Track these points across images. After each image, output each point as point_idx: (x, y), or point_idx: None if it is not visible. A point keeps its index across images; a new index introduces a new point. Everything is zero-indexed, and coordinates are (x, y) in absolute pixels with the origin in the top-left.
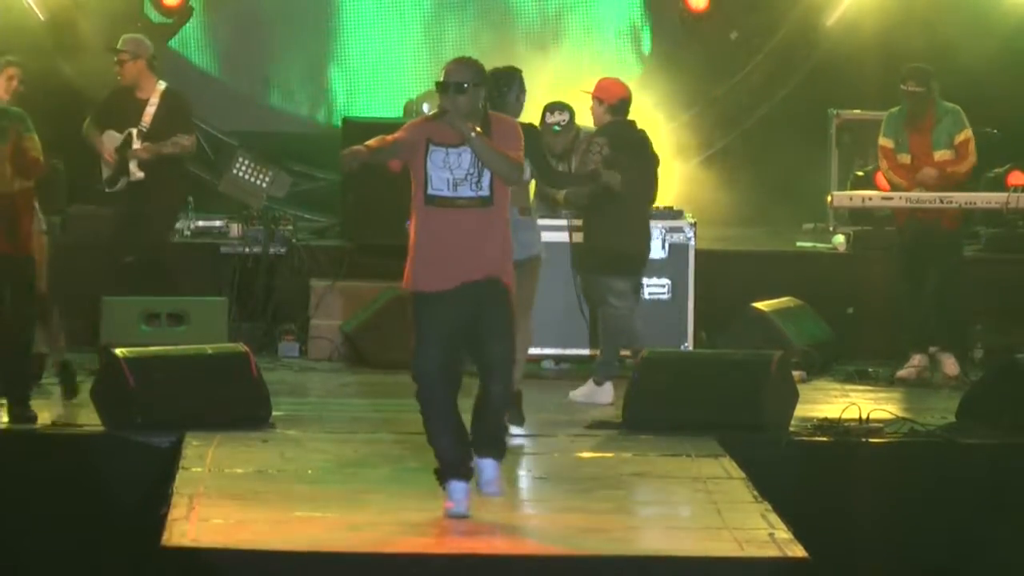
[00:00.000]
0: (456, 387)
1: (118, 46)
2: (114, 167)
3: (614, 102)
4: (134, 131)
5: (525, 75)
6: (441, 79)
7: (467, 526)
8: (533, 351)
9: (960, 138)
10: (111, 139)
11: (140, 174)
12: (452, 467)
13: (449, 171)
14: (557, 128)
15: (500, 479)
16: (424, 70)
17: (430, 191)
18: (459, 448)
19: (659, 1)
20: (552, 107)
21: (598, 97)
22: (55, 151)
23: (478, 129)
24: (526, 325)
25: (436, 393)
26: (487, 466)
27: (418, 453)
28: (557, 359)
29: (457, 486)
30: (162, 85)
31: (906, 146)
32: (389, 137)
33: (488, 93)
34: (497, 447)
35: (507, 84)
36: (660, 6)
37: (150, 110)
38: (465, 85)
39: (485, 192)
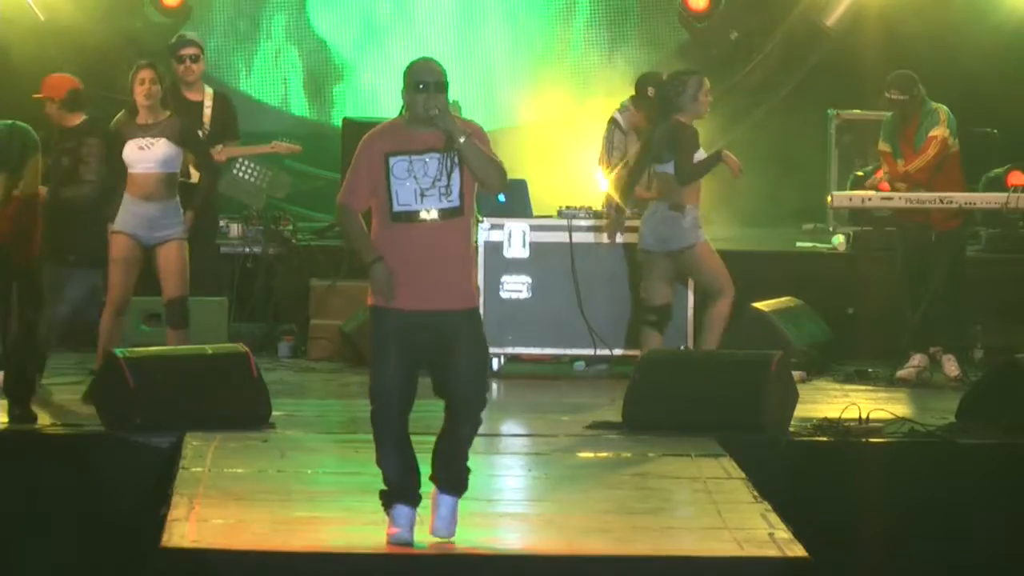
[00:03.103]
0: (410, 409)
1: (189, 38)
2: None
3: (64, 96)
4: (200, 134)
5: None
6: (419, 79)
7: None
8: (532, 351)
9: (930, 134)
10: None
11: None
12: (400, 491)
13: (414, 180)
14: None
15: (454, 519)
16: None
17: (396, 207)
18: (408, 473)
19: (659, 1)
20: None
21: (49, 96)
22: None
23: (468, 132)
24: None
25: (391, 414)
26: (444, 503)
27: (417, 454)
28: (557, 359)
29: (402, 511)
30: (210, 88)
31: (900, 151)
32: (352, 181)
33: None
34: (460, 486)
35: (682, 85)
36: (660, 6)
37: (207, 112)
38: (443, 83)
39: (455, 202)
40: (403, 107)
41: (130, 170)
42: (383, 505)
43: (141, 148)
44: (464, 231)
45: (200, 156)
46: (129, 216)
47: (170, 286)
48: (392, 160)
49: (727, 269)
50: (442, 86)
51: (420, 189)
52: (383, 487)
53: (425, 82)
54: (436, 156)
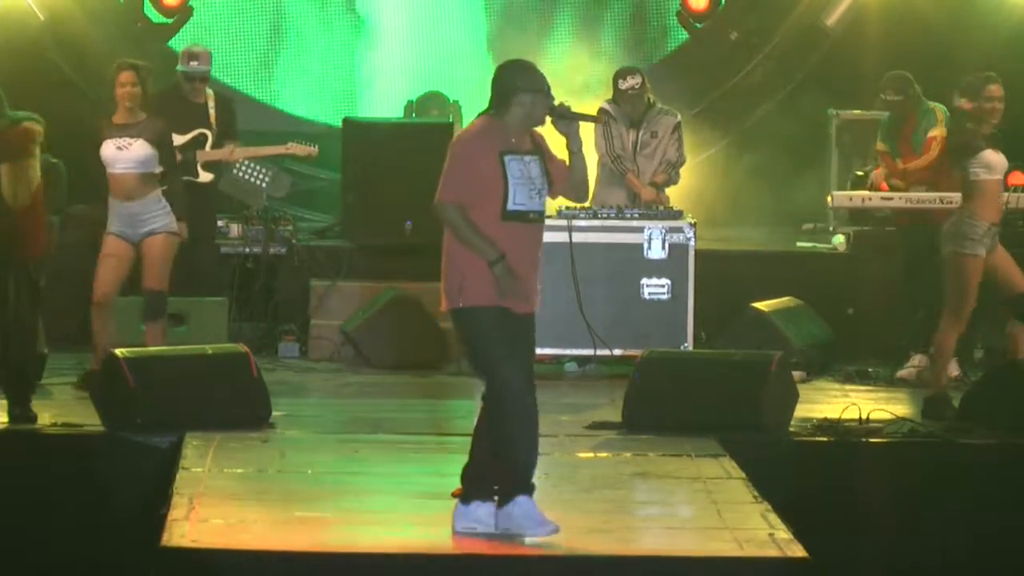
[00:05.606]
0: None
1: (201, 65)
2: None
3: None
4: (208, 133)
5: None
6: (543, 84)
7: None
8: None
9: (929, 134)
10: None
11: (209, 176)
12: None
13: (529, 181)
14: (632, 92)
15: None
16: (424, 70)
17: (512, 205)
18: None
19: (659, 1)
20: (624, 72)
21: None
22: (55, 151)
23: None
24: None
25: (529, 405)
26: (532, 504)
27: (417, 453)
28: (557, 358)
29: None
30: (210, 90)
31: (898, 151)
32: (459, 179)
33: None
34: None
35: (962, 87)
36: (660, 6)
37: (212, 114)
38: None
39: (544, 205)
40: (491, 107)
41: (108, 170)
42: (474, 495)
43: (119, 148)
44: (541, 236)
45: (167, 162)
46: (115, 217)
47: (147, 277)
48: (507, 159)
49: (966, 300)
50: None
51: (533, 190)
52: (515, 476)
53: (549, 86)
54: (536, 159)
